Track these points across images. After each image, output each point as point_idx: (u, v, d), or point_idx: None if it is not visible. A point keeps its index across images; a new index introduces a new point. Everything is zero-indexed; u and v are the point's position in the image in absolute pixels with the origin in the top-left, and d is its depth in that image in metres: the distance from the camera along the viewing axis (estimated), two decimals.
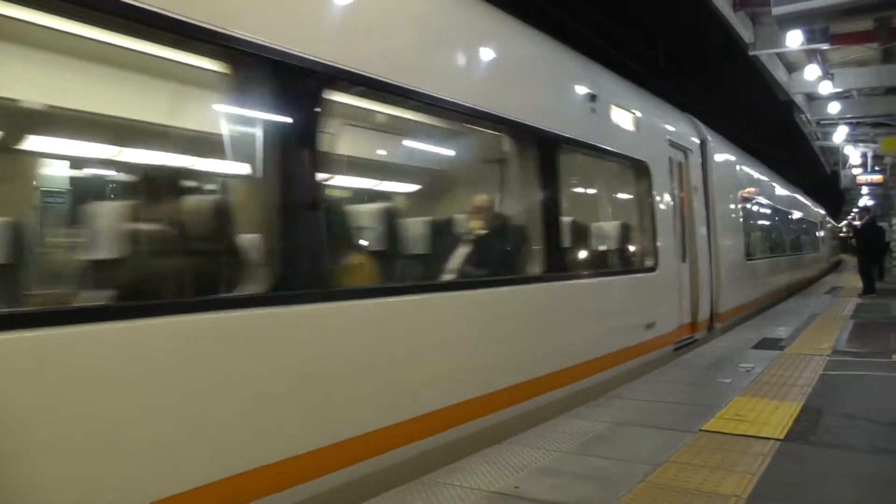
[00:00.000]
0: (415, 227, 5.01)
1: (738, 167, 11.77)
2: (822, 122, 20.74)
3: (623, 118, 6.68)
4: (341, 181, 5.22)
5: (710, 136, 9.79)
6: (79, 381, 2.34)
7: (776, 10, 7.34)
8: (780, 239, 16.14)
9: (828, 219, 30.83)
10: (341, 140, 4.16)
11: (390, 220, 4.69)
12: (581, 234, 6.18)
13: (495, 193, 5.38)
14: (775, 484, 3.23)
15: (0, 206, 3.65)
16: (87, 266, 3.11)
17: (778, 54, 13.99)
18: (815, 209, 24.73)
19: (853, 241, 20.74)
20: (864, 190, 30.40)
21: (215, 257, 3.21)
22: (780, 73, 14.89)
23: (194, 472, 2.61)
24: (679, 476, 3.34)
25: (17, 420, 2.17)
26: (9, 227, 3.04)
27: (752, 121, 23.79)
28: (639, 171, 7.05)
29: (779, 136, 26.95)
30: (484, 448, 3.86)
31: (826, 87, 15.02)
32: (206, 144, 3.69)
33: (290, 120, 3.16)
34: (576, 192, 7.08)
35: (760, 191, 13.79)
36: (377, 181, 6.25)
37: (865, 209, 19.01)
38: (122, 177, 4.21)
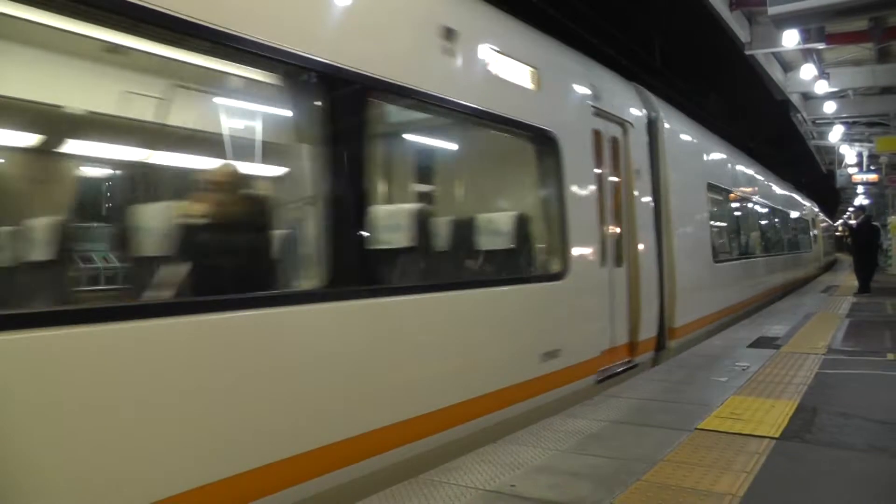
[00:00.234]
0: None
1: (706, 153, 10.15)
2: (817, 122, 20.82)
3: (511, 70, 4.98)
4: None
5: (664, 111, 8.00)
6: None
7: (772, 10, 7.34)
8: (762, 237, 14.65)
9: (822, 216, 30.60)
10: None
11: None
12: (417, 229, 4.50)
13: (244, 164, 4.07)
14: (771, 482, 3.23)
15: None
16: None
17: (774, 54, 14.00)
18: (808, 205, 23.82)
19: (849, 239, 20.82)
20: (860, 189, 30.57)
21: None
22: (776, 73, 14.91)
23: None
24: (675, 474, 3.34)
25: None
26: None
27: (748, 120, 23.91)
28: (540, 144, 5.33)
29: (775, 136, 27.07)
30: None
31: (822, 87, 15.05)
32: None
33: None
34: (412, 170, 5.67)
35: (737, 182, 12.30)
36: None
37: (861, 208, 19.10)
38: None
